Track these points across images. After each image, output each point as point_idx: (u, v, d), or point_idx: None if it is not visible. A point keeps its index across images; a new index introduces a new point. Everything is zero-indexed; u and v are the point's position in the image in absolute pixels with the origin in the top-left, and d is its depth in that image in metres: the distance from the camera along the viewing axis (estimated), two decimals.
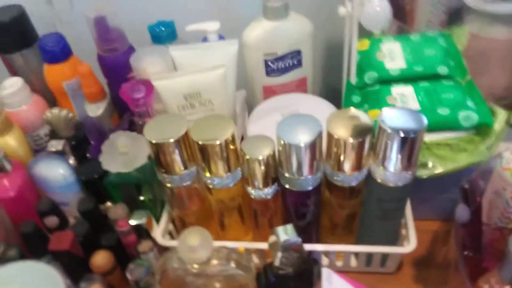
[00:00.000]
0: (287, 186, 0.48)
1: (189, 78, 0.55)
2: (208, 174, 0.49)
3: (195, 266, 0.47)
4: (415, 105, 0.54)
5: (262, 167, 0.47)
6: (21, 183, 0.55)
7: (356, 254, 0.54)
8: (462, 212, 0.41)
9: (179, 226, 0.57)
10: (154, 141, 0.47)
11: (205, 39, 0.64)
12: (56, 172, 0.57)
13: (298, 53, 0.62)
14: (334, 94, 0.66)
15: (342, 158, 0.45)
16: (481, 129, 0.52)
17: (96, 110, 0.65)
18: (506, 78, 0.65)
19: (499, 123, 0.51)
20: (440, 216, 0.59)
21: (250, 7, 0.66)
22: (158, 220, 0.57)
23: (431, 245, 0.57)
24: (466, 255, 0.42)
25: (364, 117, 0.45)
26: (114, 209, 0.54)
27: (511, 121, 0.51)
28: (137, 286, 0.50)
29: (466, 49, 0.62)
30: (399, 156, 0.43)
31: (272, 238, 0.47)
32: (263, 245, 0.52)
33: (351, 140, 0.43)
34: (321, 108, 0.60)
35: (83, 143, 0.63)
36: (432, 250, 0.56)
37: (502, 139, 0.50)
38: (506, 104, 0.66)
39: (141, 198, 0.58)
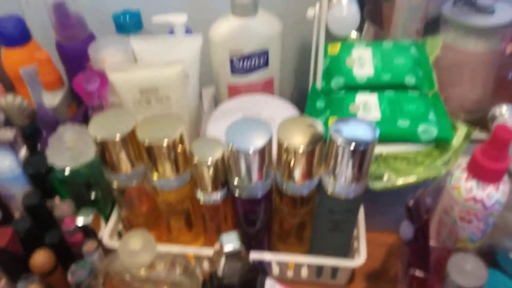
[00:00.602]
0: (236, 192, 0.46)
1: (146, 72, 0.53)
2: (155, 176, 0.47)
3: (139, 270, 0.45)
4: (376, 114, 0.52)
5: (211, 171, 0.45)
6: None
7: (308, 265, 0.53)
8: (405, 230, 0.39)
9: (127, 227, 0.55)
10: (99, 138, 0.45)
11: (171, 32, 0.62)
12: (3, 164, 0.54)
13: (265, 52, 0.60)
14: (303, 97, 0.65)
15: (292, 166, 0.43)
16: (440, 144, 0.51)
17: (53, 98, 0.63)
18: (478, 91, 0.64)
19: (457, 138, 0.49)
20: (395, 228, 0.57)
21: (221, 3, 0.64)
22: (107, 220, 0.55)
23: (385, 259, 0.55)
24: (412, 273, 0.41)
25: (316, 125, 0.43)
26: (60, 206, 0.52)
27: (470, 136, 0.49)
28: None
29: (439, 60, 0.61)
30: (350, 168, 0.42)
31: (217, 246, 0.45)
32: (208, 252, 0.50)
33: (300, 148, 0.42)
34: (284, 112, 0.58)
35: (37, 133, 0.61)
36: (385, 263, 0.55)
37: (459, 154, 0.48)
38: (476, 117, 0.65)
39: (91, 197, 0.55)
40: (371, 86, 0.57)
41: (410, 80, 0.56)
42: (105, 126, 0.46)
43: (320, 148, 0.42)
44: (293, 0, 0.69)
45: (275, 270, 0.53)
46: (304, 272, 0.53)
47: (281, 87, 0.66)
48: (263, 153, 0.42)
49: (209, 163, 0.45)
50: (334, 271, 0.51)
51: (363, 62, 0.59)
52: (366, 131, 0.41)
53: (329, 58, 0.60)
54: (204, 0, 0.71)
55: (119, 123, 0.46)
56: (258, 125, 0.44)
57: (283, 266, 0.52)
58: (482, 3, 0.60)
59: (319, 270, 0.51)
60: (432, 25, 0.67)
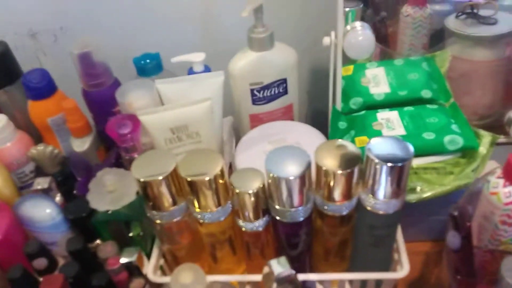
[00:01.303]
0: (278, 218, 0.48)
1: (175, 112, 0.55)
2: (198, 209, 0.49)
3: None
4: (400, 130, 0.54)
5: (253, 200, 0.47)
6: (7, 225, 0.54)
7: (351, 281, 0.54)
8: (452, 239, 0.41)
9: (170, 260, 0.56)
10: (142, 179, 0.46)
11: (191, 70, 0.65)
12: (43, 212, 0.56)
13: (284, 81, 0.63)
14: (320, 119, 0.67)
15: (331, 188, 0.45)
16: (466, 152, 0.53)
17: (81, 145, 0.64)
18: (488, 97, 0.67)
19: (483, 145, 0.52)
20: (429, 237, 0.60)
21: (234, 37, 0.67)
22: (148, 256, 0.56)
23: (423, 267, 0.57)
24: (460, 279, 0.43)
25: (351, 147, 0.45)
26: (103, 247, 0.53)
27: (495, 143, 0.51)
28: None
29: (449, 71, 0.64)
30: (388, 185, 0.44)
31: (266, 270, 0.46)
32: (257, 277, 0.51)
33: (339, 171, 0.44)
34: (308, 135, 0.60)
35: (69, 179, 0.62)
36: (424, 272, 0.56)
37: (487, 161, 0.51)
38: (489, 122, 0.67)
39: (130, 234, 0.57)
40: (389, 103, 0.59)
41: (426, 93, 0.59)
42: (146, 167, 0.48)
43: (358, 169, 0.44)
44: (304, 29, 0.72)
45: None
46: None
47: (299, 111, 0.69)
48: (303, 178, 0.44)
49: (250, 193, 0.46)
50: (378, 284, 0.53)
51: (378, 81, 0.62)
52: (401, 148, 0.43)
53: (343, 79, 0.63)
54: (216, 38, 0.74)
55: (159, 163, 0.48)
56: (295, 152, 0.46)
57: (326, 284, 0.54)
58: (484, 15, 0.63)
59: (363, 285, 0.53)
60: (436, 38, 0.70)
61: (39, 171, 0.64)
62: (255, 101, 0.64)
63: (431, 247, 0.58)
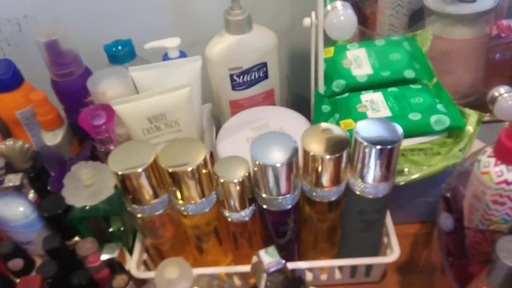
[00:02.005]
0: (265, 206, 0.46)
1: (152, 100, 0.53)
2: (181, 201, 0.47)
3: None
4: (386, 111, 0.53)
5: (238, 189, 0.45)
6: None
7: (340, 267, 0.53)
8: (445, 221, 0.40)
9: (153, 255, 0.54)
10: (120, 172, 0.44)
11: (166, 56, 0.62)
12: (16, 210, 0.53)
13: (264, 65, 0.61)
14: (301, 104, 0.66)
15: (319, 174, 0.44)
16: (453, 132, 0.52)
17: (53, 138, 0.62)
18: (470, 76, 0.66)
19: (470, 124, 0.51)
20: (417, 219, 0.59)
21: (210, 20, 0.64)
22: (131, 251, 0.54)
23: (412, 250, 0.56)
24: (452, 261, 0.42)
25: (338, 130, 0.44)
26: (82, 244, 0.51)
27: (481, 121, 0.51)
28: None
29: (429, 50, 0.63)
30: (377, 168, 0.42)
31: (254, 260, 0.45)
32: (245, 268, 0.50)
33: (328, 156, 0.42)
34: (291, 120, 0.59)
35: (42, 174, 0.59)
36: (413, 254, 0.56)
37: (474, 140, 0.50)
38: (471, 100, 0.67)
39: (110, 229, 0.54)
40: (372, 84, 0.58)
41: (409, 73, 0.58)
42: (124, 159, 0.45)
43: (346, 153, 0.43)
44: (282, 11, 0.70)
45: (308, 276, 0.53)
46: (338, 275, 0.53)
47: (280, 96, 0.67)
48: (291, 165, 0.43)
49: (236, 182, 0.45)
50: (368, 269, 0.52)
51: (359, 62, 0.60)
52: (389, 129, 0.42)
53: (325, 63, 0.61)
54: (191, 22, 0.71)
55: (138, 155, 0.45)
56: (282, 138, 0.44)
57: (316, 271, 0.53)
58: None
59: (353, 270, 0.52)
60: (416, 18, 0.69)
61: (9, 168, 0.61)
62: (235, 86, 0.62)
63: (419, 229, 0.58)
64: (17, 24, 0.69)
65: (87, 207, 0.51)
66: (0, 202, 0.53)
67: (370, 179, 0.43)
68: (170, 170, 0.44)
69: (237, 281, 0.55)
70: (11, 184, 0.56)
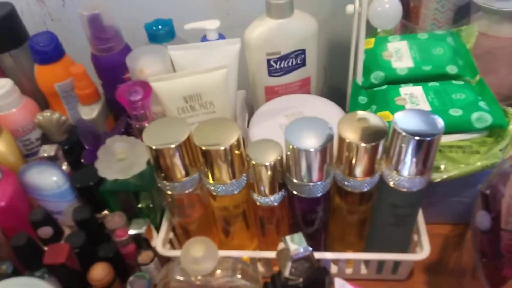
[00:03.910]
0: (295, 192, 0.46)
1: (189, 79, 0.53)
2: (211, 181, 0.47)
3: (199, 277, 0.45)
4: (425, 106, 0.52)
5: (269, 173, 0.45)
6: (12, 192, 0.52)
7: (366, 261, 0.52)
8: (482, 219, 0.39)
9: (180, 234, 0.55)
10: (154, 147, 0.44)
11: (204, 38, 0.62)
12: (49, 179, 0.54)
13: (302, 52, 0.60)
14: (336, 94, 0.64)
15: (353, 163, 0.43)
16: (494, 131, 0.50)
17: (90, 112, 0.62)
18: None
19: None
20: (450, 219, 0.57)
21: (250, 5, 0.64)
22: (157, 229, 0.54)
23: (442, 250, 0.55)
24: (486, 262, 0.41)
25: (377, 120, 0.43)
26: (111, 218, 0.51)
27: None
28: None
29: (473, 48, 0.61)
30: (414, 161, 0.41)
31: (281, 247, 0.44)
32: (271, 254, 0.50)
33: (363, 144, 0.41)
34: (326, 110, 0.58)
35: (76, 147, 0.60)
36: (443, 255, 0.54)
37: None
38: None
39: (139, 205, 0.55)
40: (412, 78, 0.57)
41: (452, 69, 0.56)
42: (158, 135, 0.45)
43: (383, 143, 0.42)
44: None
45: (333, 269, 0.52)
46: (363, 269, 0.52)
47: (316, 85, 0.66)
48: (325, 151, 0.42)
49: (267, 165, 0.44)
50: (395, 266, 0.51)
51: (400, 55, 0.59)
52: (430, 122, 0.40)
53: (365, 54, 0.60)
54: (231, 5, 0.71)
55: (173, 131, 0.45)
56: (317, 123, 0.43)
57: (341, 264, 0.52)
58: None
59: (380, 265, 0.51)
60: (461, 14, 0.67)
61: (45, 139, 0.62)
62: (271, 72, 0.61)
63: (451, 230, 0.56)
64: (61, 0, 0.71)
65: (118, 181, 0.51)
66: (34, 171, 0.54)
67: (405, 172, 0.42)
68: (203, 148, 0.44)
69: (260, 268, 0.54)
70: (45, 154, 0.57)
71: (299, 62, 0.61)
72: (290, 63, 0.60)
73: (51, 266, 0.46)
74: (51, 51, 0.61)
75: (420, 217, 0.50)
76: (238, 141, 0.44)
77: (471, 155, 0.49)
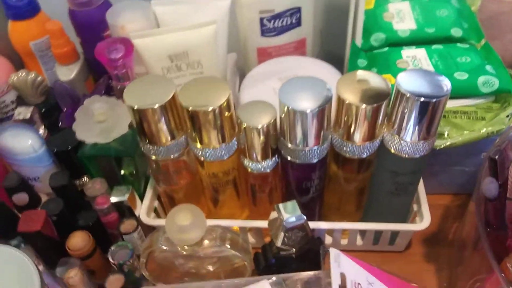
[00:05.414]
0: (289, 158, 0.43)
1: (175, 36, 0.49)
2: (199, 145, 0.43)
3: (185, 247, 0.42)
4: (429, 69, 0.49)
5: (262, 137, 0.42)
6: None
7: (363, 232, 0.50)
8: (489, 186, 0.36)
9: (165, 202, 0.52)
10: (136, 107, 0.40)
11: None
12: (25, 143, 0.50)
13: (298, 10, 0.56)
14: (334, 58, 0.61)
15: (353, 126, 0.40)
16: (500, 96, 0.48)
17: (68, 73, 0.59)
18: None
19: None
20: (451, 190, 0.55)
21: None
22: (141, 197, 0.51)
23: (442, 221, 0.53)
24: (490, 232, 0.38)
25: (379, 80, 0.40)
26: (91, 185, 0.48)
27: None
28: (120, 270, 0.45)
29: (477, 12, 0.57)
30: (418, 124, 0.38)
31: (273, 216, 0.42)
32: (262, 223, 0.47)
33: (364, 105, 0.38)
34: (324, 73, 0.54)
35: (54, 110, 0.57)
36: (443, 226, 0.52)
37: None
38: None
39: (122, 172, 0.52)
40: (414, 40, 0.53)
41: (456, 32, 0.53)
42: (141, 95, 0.42)
43: (386, 105, 0.39)
44: None
45: (327, 239, 0.50)
46: (359, 240, 0.50)
47: (312, 47, 0.62)
48: (322, 113, 0.39)
49: (259, 128, 0.41)
50: (393, 237, 0.49)
51: (402, 16, 0.56)
52: (436, 82, 0.37)
53: (364, 14, 0.56)
54: None
55: (157, 90, 0.42)
56: (314, 84, 0.40)
57: (336, 234, 0.49)
58: None
59: (376, 236, 0.49)
60: None
61: (21, 102, 0.58)
62: (264, 32, 0.57)
63: (452, 201, 0.54)
64: None
65: (98, 145, 0.48)
66: (8, 134, 0.51)
67: (408, 137, 0.39)
68: (190, 109, 0.40)
69: (251, 238, 0.52)
70: (21, 117, 0.54)
71: (294, 21, 0.57)
72: (284, 23, 0.56)
73: (26, 233, 0.43)
74: (24, 6, 0.57)
75: (421, 186, 0.48)
76: (228, 101, 0.41)
77: (477, 121, 0.46)
